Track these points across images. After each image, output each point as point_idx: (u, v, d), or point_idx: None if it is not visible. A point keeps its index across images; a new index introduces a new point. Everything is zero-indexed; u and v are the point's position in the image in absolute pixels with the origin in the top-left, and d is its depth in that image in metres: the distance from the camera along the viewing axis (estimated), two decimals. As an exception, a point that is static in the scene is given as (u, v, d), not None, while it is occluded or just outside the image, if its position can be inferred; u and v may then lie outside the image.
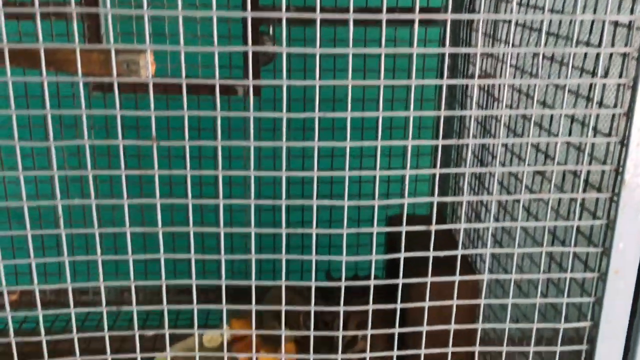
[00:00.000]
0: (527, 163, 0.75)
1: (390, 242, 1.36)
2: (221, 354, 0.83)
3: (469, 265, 1.20)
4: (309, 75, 1.36)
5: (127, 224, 0.71)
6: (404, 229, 0.74)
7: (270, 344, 1.24)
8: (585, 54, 0.80)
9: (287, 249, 0.76)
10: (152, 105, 0.65)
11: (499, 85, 1.10)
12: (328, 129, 1.38)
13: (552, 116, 0.92)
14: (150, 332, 0.78)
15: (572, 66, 0.74)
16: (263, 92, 1.43)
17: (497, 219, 1.10)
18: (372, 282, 0.78)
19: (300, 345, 1.26)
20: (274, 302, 1.04)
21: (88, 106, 1.37)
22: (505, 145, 1.05)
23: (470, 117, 0.73)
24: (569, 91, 0.78)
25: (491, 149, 1.14)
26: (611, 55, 0.76)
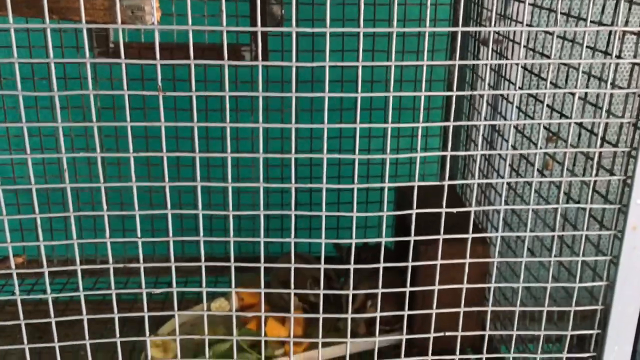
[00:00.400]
0: (542, 116, 0.73)
1: (399, 221, 1.34)
2: (230, 314, 0.81)
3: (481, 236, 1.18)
4: (317, 46, 1.34)
5: (133, 178, 0.70)
6: (416, 184, 0.72)
7: (278, 312, 1.23)
8: (604, 6, 0.78)
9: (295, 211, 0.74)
10: (157, 54, 0.63)
11: (512, 44, 1.08)
12: (336, 109, 1.37)
13: (567, 74, 0.90)
14: (157, 290, 0.77)
15: (591, 21, 0.72)
16: (270, 58, 1.42)
17: (509, 184, 1.09)
18: (382, 240, 0.76)
19: (309, 313, 1.25)
20: (281, 271, 1.02)
21: (93, 70, 1.36)
22: (518, 107, 1.03)
23: (484, 71, 0.71)
24: (586, 47, 0.75)
25: (503, 111, 1.12)
26: (631, 4, 0.74)
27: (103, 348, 0.86)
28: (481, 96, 1.16)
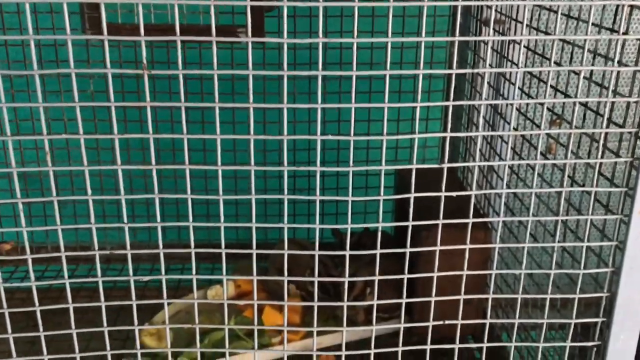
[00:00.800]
0: (546, 95, 0.70)
1: (399, 208, 1.32)
2: (222, 301, 0.79)
3: (483, 222, 1.15)
4: (315, 27, 1.31)
5: (118, 161, 0.67)
6: (414, 166, 0.69)
7: (276, 300, 1.21)
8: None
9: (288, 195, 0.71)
10: (141, 29, 0.60)
11: (515, 24, 1.05)
12: (335, 93, 1.34)
13: (572, 53, 0.87)
14: (146, 278, 0.74)
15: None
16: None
17: (511, 168, 1.06)
18: (379, 225, 0.73)
19: (307, 301, 1.23)
20: (278, 259, 1.00)
21: (85, 53, 1.33)
22: (520, 89, 1.00)
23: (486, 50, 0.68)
24: (592, 24, 0.72)
25: (506, 94, 1.08)
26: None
27: (98, 337, 0.84)
28: (482, 77, 1.12)
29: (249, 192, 0.70)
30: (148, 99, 0.64)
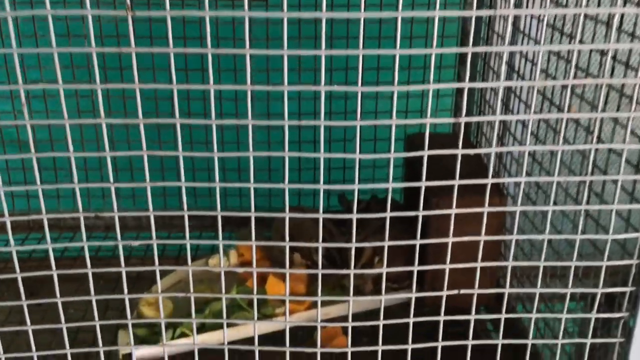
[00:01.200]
0: (574, 41, 0.63)
1: (409, 176, 1.25)
2: (216, 269, 0.73)
3: (497, 188, 1.08)
4: None
5: (102, 114, 0.61)
6: (428, 120, 0.62)
7: (280, 268, 1.16)
8: None
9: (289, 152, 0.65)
10: (123, -36, 0.54)
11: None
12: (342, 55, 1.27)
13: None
14: (136, 243, 0.69)
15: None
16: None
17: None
18: (390, 186, 0.67)
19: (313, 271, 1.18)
20: (282, 227, 0.95)
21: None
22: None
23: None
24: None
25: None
26: None
27: (97, 306, 0.79)
28: (500, 36, 1.05)
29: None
30: (133, 44, 0.58)
